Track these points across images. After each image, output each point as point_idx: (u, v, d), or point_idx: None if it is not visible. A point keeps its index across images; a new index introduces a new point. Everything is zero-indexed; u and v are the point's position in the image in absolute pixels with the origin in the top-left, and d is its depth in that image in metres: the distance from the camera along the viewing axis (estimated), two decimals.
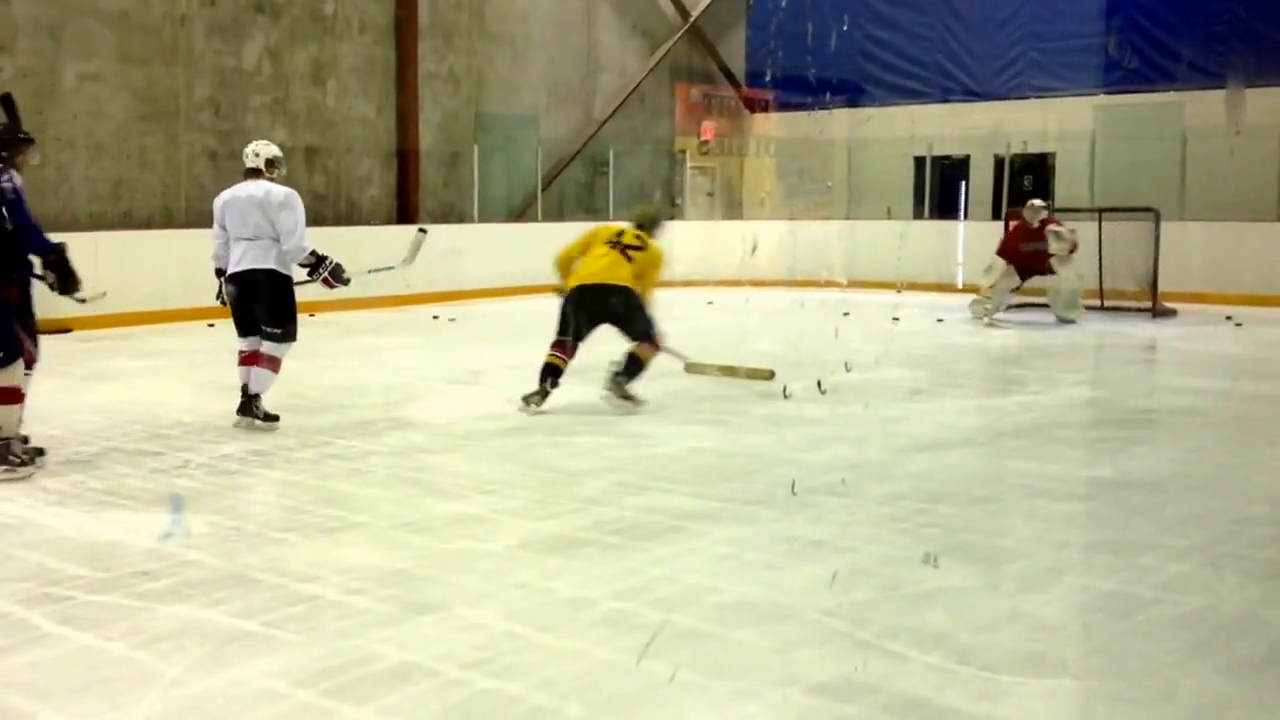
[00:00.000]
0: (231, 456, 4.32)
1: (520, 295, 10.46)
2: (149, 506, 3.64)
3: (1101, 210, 10.01)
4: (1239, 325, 8.78)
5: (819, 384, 5.62)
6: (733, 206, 15.03)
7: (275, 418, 4.79)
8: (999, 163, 12.54)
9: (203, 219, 9.66)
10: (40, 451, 4.09)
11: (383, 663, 2.37)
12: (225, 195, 4.86)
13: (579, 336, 5.25)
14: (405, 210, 11.39)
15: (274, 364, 4.77)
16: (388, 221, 11.30)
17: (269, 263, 4.67)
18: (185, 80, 9.65)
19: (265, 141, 5.04)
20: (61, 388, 6.03)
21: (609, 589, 2.82)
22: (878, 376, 6.15)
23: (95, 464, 4.19)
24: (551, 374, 5.18)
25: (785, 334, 8.35)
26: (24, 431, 4.08)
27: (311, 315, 9.64)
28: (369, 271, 5.30)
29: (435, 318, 9.46)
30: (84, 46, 8.99)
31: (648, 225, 5.54)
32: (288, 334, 4.77)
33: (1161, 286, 9.54)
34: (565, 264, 5.46)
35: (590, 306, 5.23)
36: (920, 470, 4.11)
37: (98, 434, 4.71)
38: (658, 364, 6.94)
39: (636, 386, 5.27)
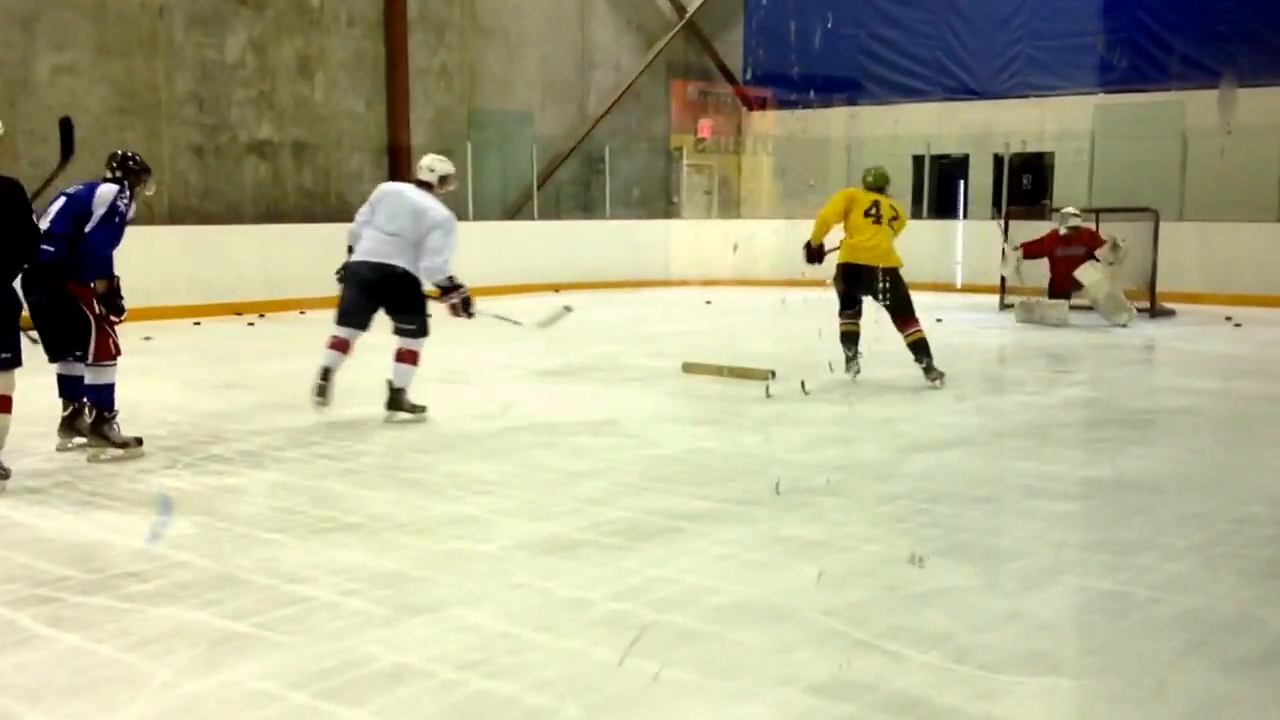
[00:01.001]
0: (220, 456, 4.28)
1: (515, 294, 10.43)
2: (136, 507, 3.61)
3: (1100, 210, 10.01)
4: (1238, 325, 8.78)
5: (802, 384, 5.59)
6: (730, 205, 15.01)
7: (423, 408, 4.93)
8: (998, 162, 12.54)
9: (187, 215, 9.69)
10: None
11: (377, 664, 2.35)
12: (389, 187, 5.08)
13: (858, 303, 6.01)
14: None
15: (413, 358, 4.93)
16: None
17: (404, 262, 4.81)
18: (166, 73, 9.55)
19: (442, 158, 5.15)
20: (44, 386, 5.98)
21: (606, 590, 2.81)
22: (876, 376, 6.14)
23: (81, 463, 4.15)
24: (852, 341, 5.98)
25: (783, 333, 8.35)
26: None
27: (302, 313, 9.66)
28: (496, 315, 5.45)
29: (429, 315, 9.42)
30: (59, 37, 8.87)
31: (887, 188, 6.08)
32: (422, 329, 4.96)
33: (1160, 287, 9.55)
34: (824, 227, 6.08)
35: (863, 284, 5.94)
36: (919, 470, 4.09)
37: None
38: (656, 365, 6.92)
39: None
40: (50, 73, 8.89)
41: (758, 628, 2.55)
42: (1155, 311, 9.44)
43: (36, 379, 6.20)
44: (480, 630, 2.54)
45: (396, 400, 4.94)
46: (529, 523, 3.40)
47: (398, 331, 4.93)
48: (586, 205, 13.28)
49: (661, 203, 14.22)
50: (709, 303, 10.58)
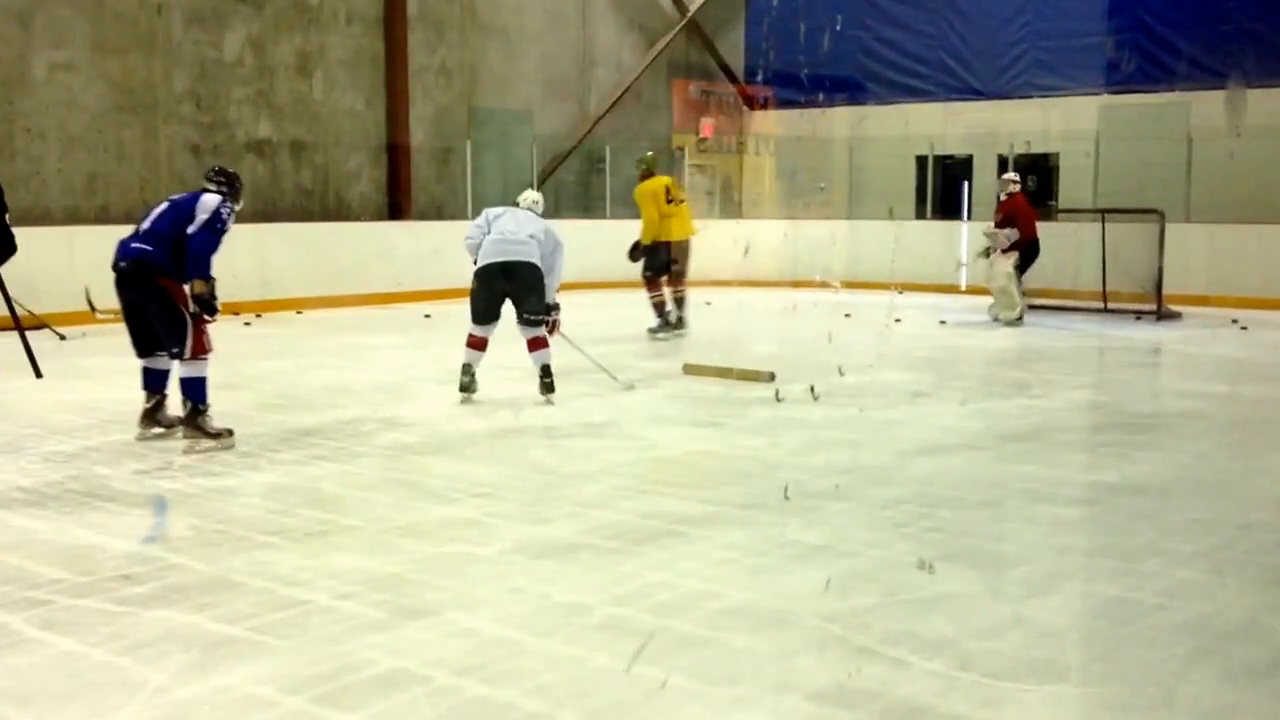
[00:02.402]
0: (215, 458, 4.26)
1: None
2: (130, 509, 3.59)
3: (1105, 211, 9.98)
4: (1244, 329, 8.74)
5: (811, 389, 5.58)
6: (731, 205, 14.98)
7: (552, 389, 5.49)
8: (1002, 163, 12.50)
9: None
10: None
11: (373, 669, 2.32)
12: (502, 210, 5.71)
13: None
14: (396, 206, 11.31)
15: (546, 341, 5.52)
16: (378, 217, 11.21)
17: (536, 259, 5.45)
18: (163, 71, 9.51)
19: (538, 193, 6.04)
20: (39, 386, 5.97)
21: (605, 594, 2.78)
22: (878, 379, 6.11)
23: (74, 465, 4.12)
24: (661, 309, 7.98)
25: (784, 336, 8.32)
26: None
27: (299, 312, 9.63)
28: (583, 352, 5.98)
29: (428, 316, 9.41)
30: (56, 35, 8.84)
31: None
32: (551, 323, 5.59)
33: (1165, 289, 9.50)
34: (653, 227, 7.92)
35: (673, 255, 7.91)
36: (922, 474, 4.06)
37: (76, 434, 4.64)
38: (656, 366, 6.88)
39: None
40: (48, 70, 8.86)
41: (758, 633, 2.53)
42: (1161, 314, 9.40)
43: (25, 379, 6.19)
44: (477, 634, 2.52)
45: (548, 381, 5.44)
46: (527, 526, 3.37)
47: (526, 321, 5.44)
48: (587, 205, 13.24)
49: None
50: (709, 304, 10.56)
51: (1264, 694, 2.26)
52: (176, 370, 4.39)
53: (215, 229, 4.34)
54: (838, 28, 12.89)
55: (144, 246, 4.33)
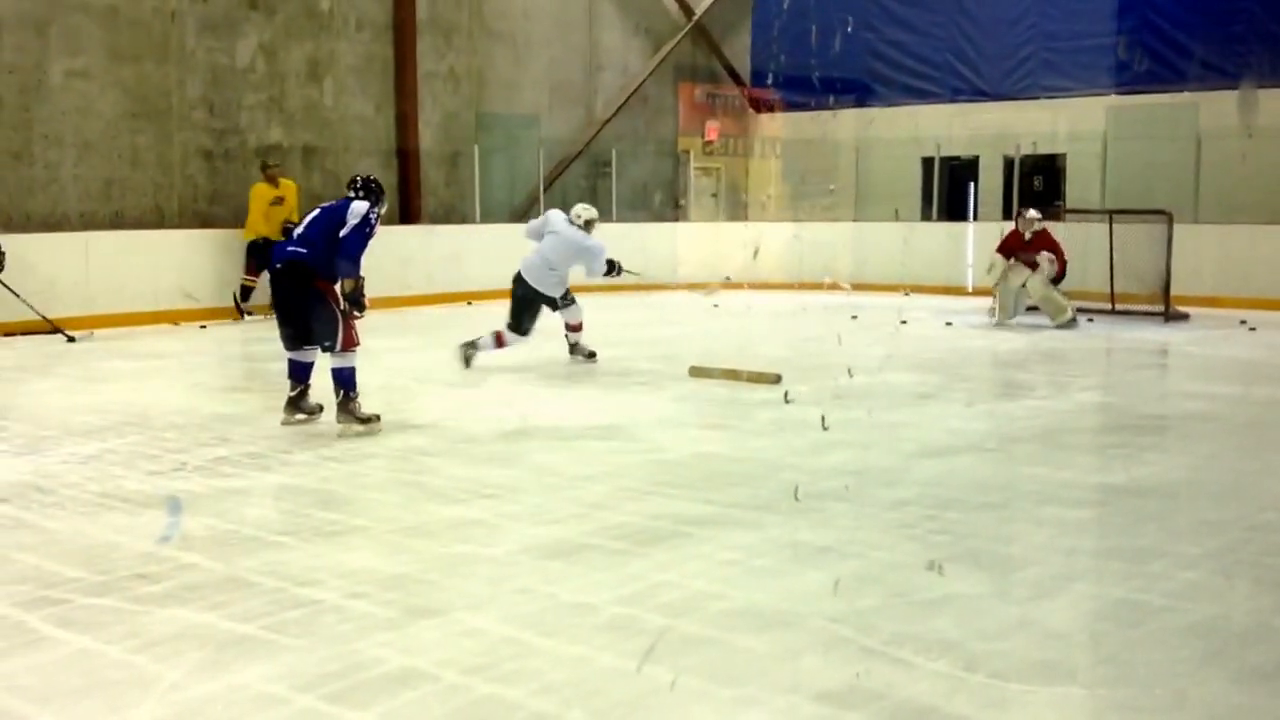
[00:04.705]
0: (228, 459, 4.29)
1: None
2: (145, 509, 3.62)
3: (1113, 212, 9.92)
4: (1253, 330, 8.70)
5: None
6: (737, 208, 14.98)
7: (594, 354, 6.80)
8: (1009, 164, 12.46)
9: (197, 219, 9.73)
10: None
11: (383, 667, 2.34)
12: (559, 228, 6.60)
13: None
14: (406, 210, 11.36)
15: (580, 325, 6.76)
16: (387, 221, 11.24)
17: (546, 289, 6.52)
18: (177, 78, 9.59)
19: (588, 206, 6.91)
20: (56, 389, 6.02)
21: (612, 595, 2.79)
22: (885, 381, 6.11)
23: (91, 466, 4.16)
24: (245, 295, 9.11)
25: (791, 338, 8.31)
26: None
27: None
28: (629, 271, 7.02)
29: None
30: (72, 42, 8.92)
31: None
32: (573, 302, 6.72)
33: (1174, 290, 9.45)
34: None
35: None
36: (928, 476, 4.06)
37: (92, 435, 4.68)
38: (663, 368, 6.89)
39: None
40: (63, 77, 8.95)
41: (765, 634, 2.54)
42: (1169, 315, 9.36)
43: (43, 382, 6.25)
44: (486, 634, 2.53)
45: (577, 348, 6.74)
46: (534, 527, 3.39)
47: (555, 309, 6.60)
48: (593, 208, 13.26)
49: (669, 206, 14.20)
50: (716, 305, 10.56)
51: (1273, 696, 2.25)
52: (328, 362, 4.73)
53: (364, 232, 4.69)
54: (844, 30, 12.88)
55: (299, 250, 4.71)
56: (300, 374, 4.88)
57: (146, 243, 9.12)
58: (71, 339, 7.75)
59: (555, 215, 6.70)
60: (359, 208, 4.73)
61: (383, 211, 4.87)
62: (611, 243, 6.97)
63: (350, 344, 4.71)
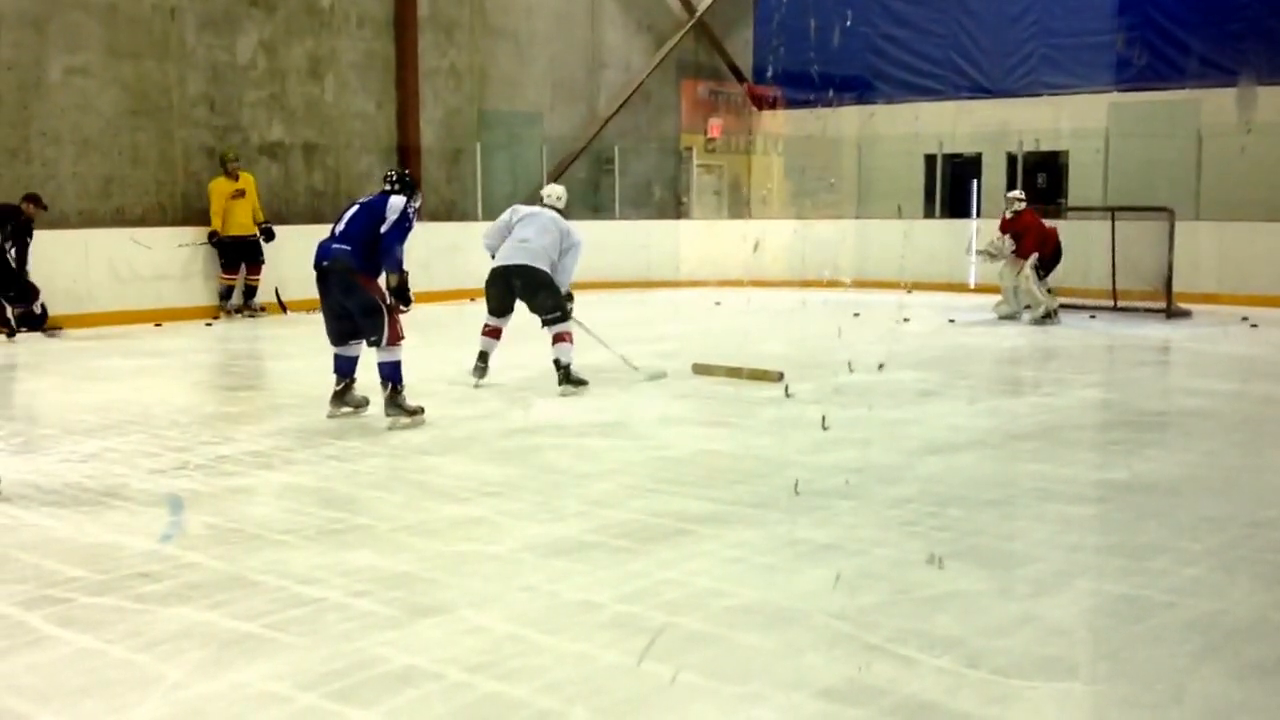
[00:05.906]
0: (229, 458, 4.29)
1: None
2: (147, 508, 3.62)
3: (1115, 209, 9.91)
4: (1254, 326, 8.69)
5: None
6: (740, 205, 14.97)
7: (584, 382, 5.76)
8: (1011, 161, 12.44)
9: (199, 216, 9.74)
10: None
11: (386, 666, 2.35)
12: (524, 210, 5.93)
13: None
14: None
15: (569, 336, 5.77)
16: None
17: (543, 265, 5.72)
18: (177, 75, 9.57)
19: (561, 186, 6.31)
20: (56, 387, 6.03)
21: (615, 592, 2.80)
22: (887, 378, 6.11)
23: (91, 465, 4.16)
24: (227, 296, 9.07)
25: (793, 335, 8.31)
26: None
27: (310, 312, 9.67)
28: (602, 342, 6.21)
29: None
30: (71, 39, 8.90)
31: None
32: (565, 315, 5.81)
33: (1175, 287, 9.45)
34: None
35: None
36: (930, 473, 4.06)
37: (93, 434, 4.69)
38: (666, 366, 6.89)
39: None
40: (62, 74, 8.94)
41: (768, 631, 2.54)
42: (1170, 312, 9.35)
43: (41, 381, 6.25)
44: (489, 632, 2.54)
45: (560, 375, 5.73)
46: (537, 525, 3.39)
47: (546, 322, 5.77)
48: (596, 205, 13.26)
49: (671, 203, 14.19)
50: (719, 303, 10.56)
51: (1273, 692, 2.26)
52: (374, 356, 4.78)
53: (404, 226, 4.75)
54: (846, 26, 12.85)
55: (342, 247, 4.75)
56: (345, 368, 4.96)
57: (148, 240, 9.12)
58: (58, 328, 7.85)
59: (516, 207, 6.07)
60: (396, 203, 4.76)
61: (419, 205, 4.91)
62: (617, 240, 6.91)
63: (396, 338, 4.76)
